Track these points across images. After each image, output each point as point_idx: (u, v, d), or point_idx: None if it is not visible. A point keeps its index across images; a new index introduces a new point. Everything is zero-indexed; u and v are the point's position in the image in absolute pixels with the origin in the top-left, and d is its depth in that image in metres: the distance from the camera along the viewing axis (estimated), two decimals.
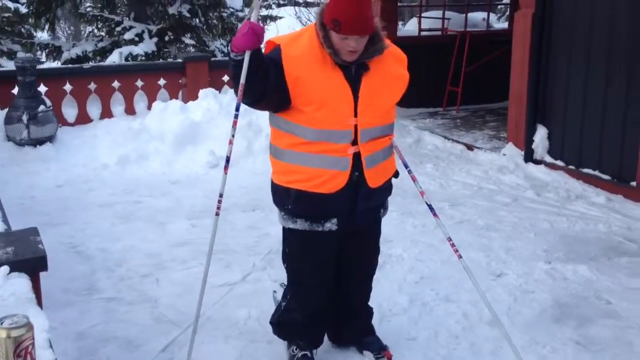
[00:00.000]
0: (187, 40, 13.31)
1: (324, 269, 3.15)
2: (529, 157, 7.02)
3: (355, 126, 2.80)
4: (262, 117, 7.60)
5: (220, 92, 8.23)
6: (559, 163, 6.75)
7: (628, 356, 3.42)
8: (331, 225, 2.96)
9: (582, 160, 6.53)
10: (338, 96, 2.77)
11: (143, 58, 12.10)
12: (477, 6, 15.14)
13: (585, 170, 6.44)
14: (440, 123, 9.40)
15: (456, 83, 10.04)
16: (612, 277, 4.34)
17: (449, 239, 3.16)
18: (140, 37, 12.49)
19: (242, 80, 2.68)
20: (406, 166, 3.22)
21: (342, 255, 3.16)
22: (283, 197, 2.97)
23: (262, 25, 2.65)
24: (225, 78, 9.03)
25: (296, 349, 3.25)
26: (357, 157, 2.84)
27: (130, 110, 8.46)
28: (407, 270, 4.49)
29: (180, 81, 8.80)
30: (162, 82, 8.67)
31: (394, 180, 3.19)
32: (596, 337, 3.63)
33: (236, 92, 2.78)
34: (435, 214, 3.16)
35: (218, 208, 3.06)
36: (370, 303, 3.46)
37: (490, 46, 10.12)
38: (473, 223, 5.43)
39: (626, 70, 5.99)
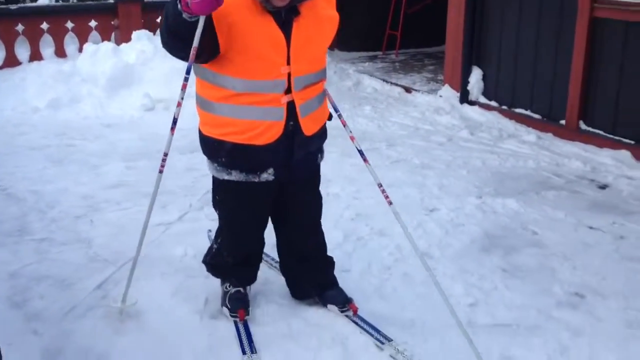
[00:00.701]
0: None
1: (259, 216, 3.10)
2: (465, 98, 7.14)
3: (289, 74, 2.70)
4: None
5: (154, 34, 8.03)
6: (493, 104, 6.89)
7: (550, 281, 3.59)
8: (268, 175, 2.89)
9: (514, 101, 6.69)
10: (270, 44, 2.62)
11: (74, 0, 11.65)
12: None
13: (518, 110, 6.60)
14: (380, 66, 9.43)
15: (395, 27, 10.05)
16: (538, 210, 4.51)
17: (379, 185, 3.12)
18: None
19: (195, 43, 2.50)
20: (336, 110, 3.15)
21: (283, 204, 3.09)
22: (216, 149, 2.86)
23: None
24: (160, 19, 8.79)
25: (229, 286, 3.23)
26: (291, 105, 2.75)
27: (60, 53, 8.20)
28: (343, 208, 4.56)
29: (112, 23, 8.55)
30: (93, 23, 8.41)
31: (330, 123, 3.13)
32: (521, 264, 3.78)
33: (179, 52, 2.59)
34: (365, 160, 3.10)
35: (162, 166, 2.98)
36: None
37: None
38: (409, 162, 5.53)
39: (557, 13, 6.10)
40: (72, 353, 2.97)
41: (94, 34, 8.41)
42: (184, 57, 2.58)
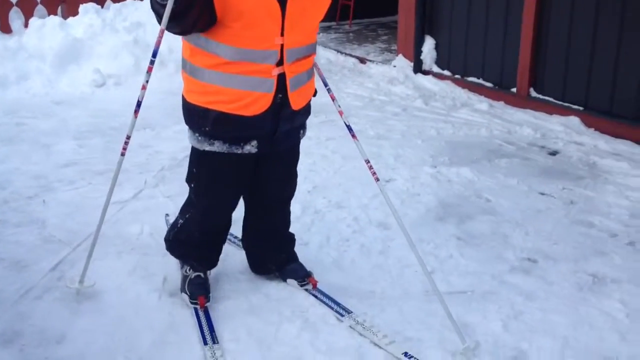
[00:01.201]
0: None
1: (235, 190, 3.04)
2: (418, 68, 7.19)
3: (282, 46, 2.63)
4: (150, 33, 7.34)
5: (102, 7, 7.83)
6: (446, 73, 6.96)
7: (504, 247, 3.68)
8: (251, 147, 2.81)
9: (467, 70, 6.76)
10: (266, 13, 2.55)
11: None
12: None
13: (470, 79, 6.68)
14: (333, 37, 9.41)
15: None
16: (491, 177, 4.60)
17: (367, 161, 3.10)
18: None
19: (163, 25, 2.47)
20: (325, 84, 3.12)
21: (257, 178, 3.04)
22: (200, 118, 2.77)
23: None
24: None
25: (189, 269, 3.15)
26: (281, 78, 2.69)
27: (5, 29, 7.94)
28: (300, 181, 4.51)
29: None
30: None
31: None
32: (476, 232, 3.86)
33: (172, 29, 2.56)
34: (353, 135, 3.09)
35: (124, 149, 2.91)
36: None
37: None
38: (364, 133, 5.56)
39: None
40: (29, 335, 2.93)
41: (40, 8, 8.17)
42: (179, 31, 2.58)
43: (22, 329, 2.96)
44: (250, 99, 2.68)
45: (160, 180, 4.59)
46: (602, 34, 5.40)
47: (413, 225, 3.93)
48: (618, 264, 3.50)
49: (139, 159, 4.98)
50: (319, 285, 3.21)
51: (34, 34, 7.08)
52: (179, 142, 5.20)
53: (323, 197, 4.31)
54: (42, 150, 5.13)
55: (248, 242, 3.32)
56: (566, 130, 5.46)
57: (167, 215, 3.90)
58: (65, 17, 7.71)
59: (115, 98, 6.47)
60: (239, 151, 2.82)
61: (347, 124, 3.09)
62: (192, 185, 3.04)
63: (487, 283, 3.32)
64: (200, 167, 2.95)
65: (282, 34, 2.60)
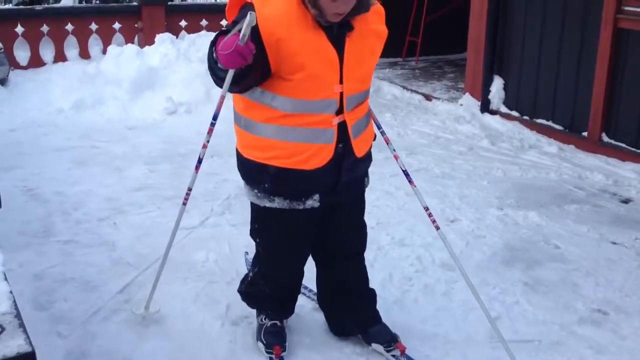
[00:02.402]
0: None
1: (301, 246, 2.89)
2: (485, 107, 7.13)
3: (341, 94, 2.52)
4: None
5: (177, 37, 8.10)
6: (514, 113, 6.87)
7: (572, 297, 3.57)
8: (313, 202, 2.67)
9: (536, 111, 6.66)
10: (324, 61, 2.45)
11: (98, 1, 11.77)
12: None
13: (539, 121, 6.58)
14: (400, 73, 9.43)
15: (416, 33, 10.05)
16: (560, 223, 4.49)
17: (426, 209, 3.00)
18: None
19: (223, 92, 2.43)
20: (379, 127, 3.06)
21: (325, 233, 2.88)
22: (258, 174, 2.64)
23: (251, 44, 2.24)
24: (183, 23, 8.87)
25: (265, 318, 3.04)
26: (341, 127, 2.57)
27: (84, 54, 8.28)
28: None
29: (136, 25, 8.62)
30: (117, 25, 8.49)
31: None
32: (543, 279, 3.77)
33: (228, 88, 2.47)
34: (411, 182, 3.00)
35: (185, 199, 2.88)
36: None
37: None
38: (429, 171, 5.52)
39: (581, 24, 6.08)
40: (96, 356, 3.00)
41: (118, 36, 8.50)
42: (238, 91, 2.52)
43: (90, 349, 3.04)
44: (311, 151, 2.56)
45: (226, 209, 4.66)
46: None
47: (478, 268, 3.87)
48: None
49: (206, 186, 5.08)
50: (408, 352, 2.98)
51: (111, 60, 7.37)
52: None
53: (386, 234, 4.29)
54: (115, 174, 5.30)
55: (323, 299, 3.15)
56: (639, 178, 5.30)
57: (246, 253, 3.85)
58: (141, 45, 7.99)
59: (186, 125, 6.63)
60: (301, 206, 2.68)
61: (404, 169, 3.01)
62: (257, 241, 2.93)
63: (555, 333, 3.22)
64: (262, 223, 2.83)
65: (340, 82, 2.51)
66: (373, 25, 2.58)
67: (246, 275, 3.14)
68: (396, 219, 4.54)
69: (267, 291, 2.98)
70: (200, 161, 2.76)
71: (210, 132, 2.68)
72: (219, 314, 3.34)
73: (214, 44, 2.33)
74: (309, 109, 2.51)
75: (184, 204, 2.90)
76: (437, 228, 3.00)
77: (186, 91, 7.03)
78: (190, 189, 2.85)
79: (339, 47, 2.47)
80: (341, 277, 3.01)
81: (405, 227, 4.41)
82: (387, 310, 3.34)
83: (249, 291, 3.09)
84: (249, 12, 2.20)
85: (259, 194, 2.70)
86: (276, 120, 2.53)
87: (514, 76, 6.93)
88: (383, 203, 4.80)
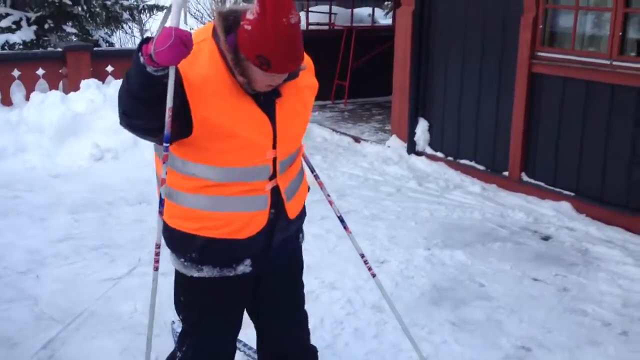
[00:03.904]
0: (69, 28, 12.79)
1: (233, 317, 2.61)
2: (412, 149, 7.32)
3: (274, 159, 2.36)
4: None
5: (103, 82, 8.01)
6: (439, 154, 7.08)
7: (497, 334, 3.67)
8: (244, 267, 2.45)
9: (459, 152, 6.89)
10: (256, 130, 2.28)
11: (21, 47, 11.54)
12: (364, 2, 15.50)
13: (463, 161, 6.80)
14: (329, 116, 9.59)
15: (344, 77, 10.27)
16: (485, 261, 4.63)
17: (362, 255, 2.96)
18: (17, 25, 11.90)
19: (170, 103, 2.07)
20: (312, 171, 2.91)
21: (262, 297, 2.63)
22: (185, 244, 2.40)
23: (187, 30, 2.01)
24: (110, 68, 8.78)
25: None
26: (274, 191, 2.40)
27: (6, 101, 8.07)
28: None
29: (60, 71, 8.48)
30: (40, 72, 8.33)
31: None
32: (470, 317, 3.86)
33: (145, 120, 2.14)
34: (346, 228, 2.92)
35: (156, 262, 2.44)
36: None
37: (376, 41, 10.43)
38: (359, 213, 5.60)
39: (498, 69, 6.36)
40: None
41: (42, 82, 8.32)
42: (150, 128, 2.16)
43: None
44: (242, 221, 2.37)
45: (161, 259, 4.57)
46: (591, 121, 5.54)
47: (407, 309, 3.93)
48: (612, 354, 3.49)
49: (133, 234, 5.00)
50: None
51: (34, 107, 7.20)
52: None
53: (315, 278, 4.30)
54: (37, 225, 5.15)
55: None
56: (558, 215, 5.52)
57: (173, 322, 3.51)
58: (66, 91, 7.86)
59: (113, 172, 6.52)
60: (232, 273, 2.45)
61: (339, 215, 2.91)
62: (182, 316, 2.60)
63: None
64: (188, 295, 2.54)
65: (274, 147, 2.34)
66: (303, 82, 2.42)
67: (173, 356, 2.79)
68: (326, 262, 4.58)
69: None
70: (162, 203, 2.35)
71: (165, 159, 2.22)
72: None
73: (138, 56, 2.01)
74: (240, 177, 2.33)
75: (156, 268, 2.46)
76: (374, 275, 2.96)
77: (113, 137, 6.93)
78: (158, 245, 2.41)
79: (270, 113, 2.30)
80: (283, 342, 2.77)
81: (335, 270, 4.45)
82: (319, 356, 3.33)
83: None
84: None
85: (185, 263, 2.44)
86: (203, 189, 2.32)
87: (438, 118, 7.16)
88: (313, 246, 4.82)
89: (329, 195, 2.92)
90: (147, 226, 5.15)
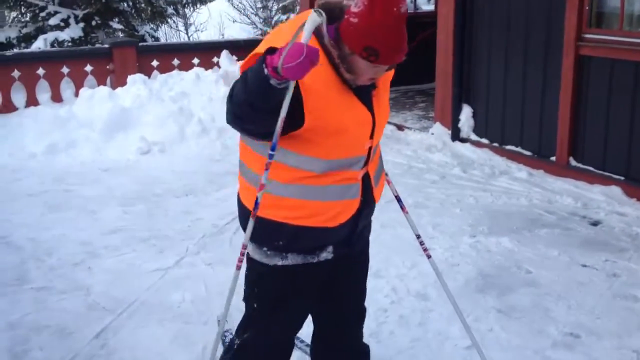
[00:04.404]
0: (115, 25, 13.05)
1: (306, 306, 2.59)
2: (456, 135, 7.25)
3: (369, 148, 2.38)
4: (193, 102, 7.60)
5: (149, 77, 8.15)
6: (484, 141, 6.99)
7: (545, 321, 3.62)
8: (327, 254, 2.43)
9: (505, 138, 6.79)
10: (360, 123, 2.30)
11: (70, 44, 11.82)
12: None
13: (508, 147, 6.70)
14: None
15: None
16: (532, 248, 4.57)
17: (418, 236, 2.93)
18: (66, 23, 12.20)
19: (283, 113, 2.09)
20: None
21: (330, 289, 2.61)
22: (273, 233, 2.37)
23: (315, 47, 2.00)
24: (155, 63, 8.93)
25: None
26: (364, 178, 2.41)
27: (56, 98, 8.28)
28: None
29: (107, 67, 8.66)
30: (88, 68, 8.51)
31: None
32: (516, 304, 3.82)
33: (256, 125, 2.16)
34: (403, 207, 2.90)
35: (240, 261, 2.44)
36: None
37: (418, 27, 10.31)
38: (403, 201, 5.55)
39: (543, 52, 6.24)
40: None
41: (90, 79, 8.52)
42: (260, 133, 2.19)
43: None
44: (336, 210, 2.35)
45: (201, 248, 4.67)
46: None
47: (453, 296, 3.90)
48: None
49: (181, 225, 5.09)
50: None
51: (83, 103, 7.39)
52: (220, 209, 5.32)
53: None
54: (89, 217, 5.29)
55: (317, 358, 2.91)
56: (608, 200, 5.41)
57: (218, 321, 3.37)
58: (114, 87, 8.03)
59: (160, 165, 6.65)
60: (315, 260, 2.42)
61: (396, 195, 2.89)
62: (255, 305, 2.54)
63: (529, 358, 3.27)
64: (265, 284, 2.49)
65: (371, 137, 2.37)
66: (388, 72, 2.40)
67: (230, 345, 2.74)
68: (371, 251, 4.56)
69: (261, 355, 2.63)
70: (257, 205, 2.31)
71: (268, 166, 2.24)
72: (195, 356, 3.34)
73: (262, 67, 2.00)
74: (340, 167, 2.32)
75: (238, 267, 2.45)
76: (429, 257, 2.94)
77: (159, 130, 7.06)
78: (245, 246, 2.41)
79: (369, 106, 2.31)
80: (346, 340, 2.78)
81: (379, 258, 4.44)
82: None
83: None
84: (312, 10, 2.00)
85: (268, 252, 2.41)
86: (303, 180, 2.30)
87: (482, 104, 7.07)
88: None
89: (387, 175, 2.81)
90: (193, 217, 5.24)
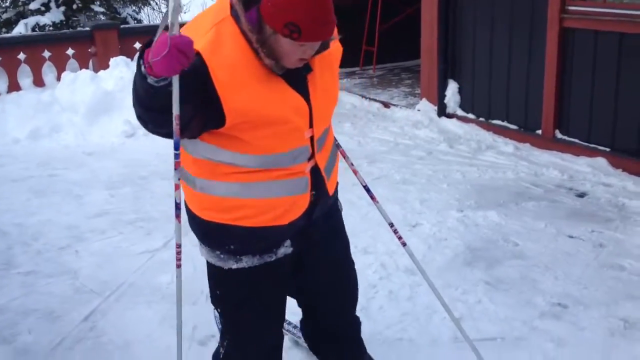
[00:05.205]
0: (97, 8, 12.87)
1: (276, 304, 2.45)
2: (442, 111, 7.24)
3: (311, 138, 2.20)
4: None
5: (132, 60, 8.06)
6: (470, 116, 6.99)
7: (533, 292, 3.65)
8: (285, 249, 2.31)
9: (491, 113, 6.79)
10: (292, 113, 2.09)
11: (51, 28, 11.66)
12: None
13: (495, 122, 6.70)
14: (358, 82, 9.52)
15: (371, 42, 10.16)
16: (519, 221, 4.58)
17: (391, 225, 2.84)
18: (46, 7, 12.02)
19: (176, 110, 1.88)
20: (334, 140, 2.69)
21: (308, 272, 2.47)
22: (222, 237, 2.24)
23: (186, 36, 1.78)
24: (137, 45, 8.83)
25: None
26: (314, 171, 2.24)
27: (38, 82, 8.19)
28: None
29: (89, 50, 8.56)
30: (70, 52, 8.41)
31: None
32: (504, 276, 3.84)
33: (159, 127, 1.98)
34: (372, 197, 2.79)
35: (178, 260, 2.34)
36: None
37: (403, 4, 10.26)
38: (390, 178, 5.59)
39: (528, 25, 6.22)
40: None
41: (72, 62, 8.42)
42: (161, 133, 2.01)
43: None
44: (284, 207, 2.20)
45: (188, 229, 4.61)
46: (626, 74, 5.40)
47: (440, 270, 3.93)
48: None
49: (167, 207, 5.06)
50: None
51: (66, 87, 7.30)
52: None
53: (350, 243, 4.32)
54: (74, 201, 5.25)
55: (312, 347, 2.84)
56: (594, 172, 5.43)
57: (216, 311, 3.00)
58: (96, 70, 7.94)
59: (145, 148, 6.60)
60: (273, 258, 2.29)
61: (364, 184, 2.79)
62: (219, 310, 2.49)
63: (517, 329, 3.29)
64: (225, 287, 2.38)
65: (310, 126, 2.18)
66: (331, 52, 2.21)
67: (217, 352, 2.64)
68: (359, 228, 4.58)
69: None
70: (178, 206, 2.19)
71: (176, 166, 2.11)
72: (185, 336, 3.31)
73: (140, 64, 1.84)
74: (279, 162, 2.16)
75: (178, 266, 2.36)
76: (404, 244, 2.85)
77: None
78: (179, 245, 2.32)
79: (303, 91, 2.12)
80: (332, 321, 2.68)
81: (368, 235, 4.45)
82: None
83: None
84: None
85: (221, 256, 2.28)
86: (241, 176, 2.15)
87: (468, 79, 7.06)
88: (345, 213, 4.72)
89: (352, 165, 2.77)
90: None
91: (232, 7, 2.02)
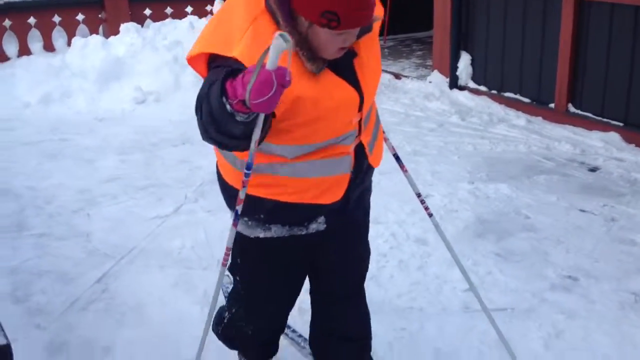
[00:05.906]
0: None
1: (295, 283, 2.40)
2: (454, 83, 7.19)
3: (360, 121, 2.12)
4: (187, 51, 7.49)
5: (142, 26, 8.02)
6: (482, 88, 6.94)
7: (543, 265, 3.65)
8: (317, 225, 2.20)
9: (503, 85, 6.74)
10: (344, 103, 2.02)
11: None
12: None
13: (507, 95, 6.66)
14: None
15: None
16: (530, 194, 4.57)
17: (419, 195, 2.70)
18: None
19: (256, 136, 1.84)
20: None
21: (322, 262, 2.39)
22: (252, 206, 2.13)
23: (285, 68, 1.65)
24: (147, 11, 8.78)
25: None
26: (358, 149, 2.15)
27: (49, 47, 8.17)
28: None
29: (100, 16, 8.52)
30: (80, 17, 8.38)
31: None
32: (515, 248, 3.85)
33: (230, 148, 1.92)
34: (402, 166, 2.63)
35: (225, 260, 2.23)
36: None
37: None
38: (401, 149, 5.56)
39: None
40: (76, 346, 3.01)
41: (82, 28, 8.39)
42: (232, 150, 2.01)
43: (69, 340, 3.05)
44: (325, 185, 2.12)
45: (200, 195, 4.66)
46: None
47: (451, 241, 3.86)
48: None
49: (179, 173, 5.08)
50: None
51: (77, 52, 7.28)
52: None
53: None
54: (86, 166, 5.26)
55: (316, 347, 2.69)
56: (606, 146, 5.40)
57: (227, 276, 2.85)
58: (106, 36, 7.90)
59: (155, 114, 6.60)
60: (304, 232, 2.20)
61: (394, 153, 2.63)
62: (238, 279, 2.42)
63: (527, 301, 3.30)
64: (248, 257, 2.32)
65: (360, 110, 2.09)
66: (374, 31, 2.11)
67: (220, 315, 2.62)
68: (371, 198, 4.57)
69: (248, 333, 2.51)
70: (237, 216, 2.10)
71: (245, 184, 2.02)
72: (197, 300, 3.36)
73: (222, 102, 1.71)
74: (326, 146, 2.08)
75: (224, 264, 2.23)
76: (430, 215, 2.72)
77: (154, 80, 6.98)
78: (229, 248, 2.20)
79: (352, 79, 2.02)
80: (341, 318, 2.56)
81: (379, 205, 4.43)
82: (365, 286, 3.38)
83: (227, 334, 2.63)
84: (276, 35, 1.61)
85: (249, 223, 2.19)
86: (286, 160, 2.08)
87: (481, 52, 6.99)
88: None
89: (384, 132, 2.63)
90: (191, 166, 5.22)
91: (267, 5, 1.90)
